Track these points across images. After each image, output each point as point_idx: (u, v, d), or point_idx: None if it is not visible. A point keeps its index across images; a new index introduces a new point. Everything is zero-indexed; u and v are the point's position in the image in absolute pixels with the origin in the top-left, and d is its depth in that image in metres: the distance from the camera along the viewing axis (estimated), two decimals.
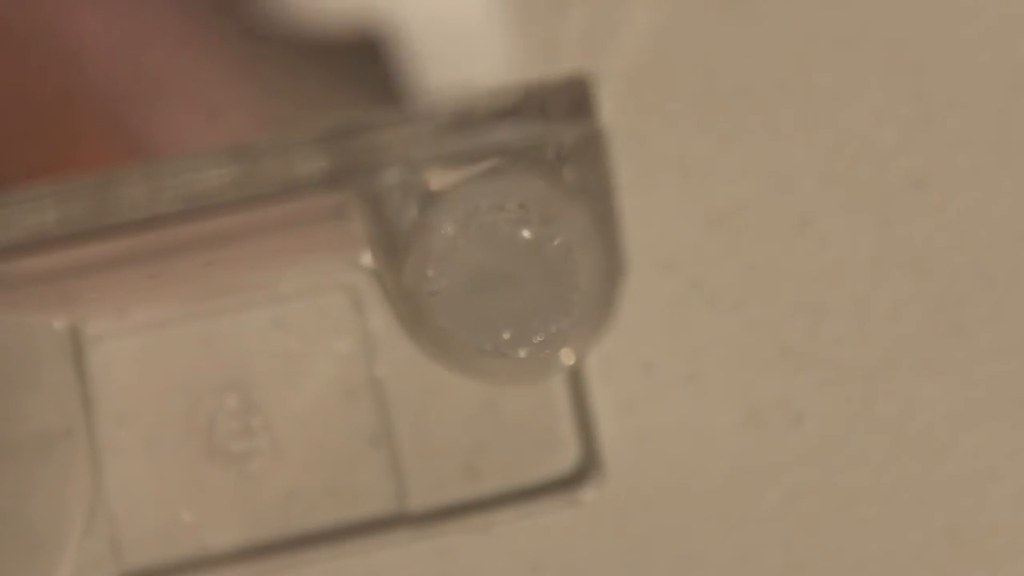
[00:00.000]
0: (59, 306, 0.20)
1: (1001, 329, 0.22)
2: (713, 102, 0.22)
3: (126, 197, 0.14)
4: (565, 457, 0.21)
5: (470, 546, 0.21)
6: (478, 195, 0.15)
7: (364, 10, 0.09)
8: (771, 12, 0.22)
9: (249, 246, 0.17)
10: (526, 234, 0.15)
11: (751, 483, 0.21)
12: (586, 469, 0.21)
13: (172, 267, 0.17)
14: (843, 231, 0.22)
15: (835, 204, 0.22)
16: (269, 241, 0.17)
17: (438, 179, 0.15)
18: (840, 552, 0.21)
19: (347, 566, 0.21)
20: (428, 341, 0.16)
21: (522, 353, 0.15)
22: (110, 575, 0.21)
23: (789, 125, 0.22)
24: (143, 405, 0.21)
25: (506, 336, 0.15)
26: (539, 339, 0.15)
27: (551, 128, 0.15)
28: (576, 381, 0.21)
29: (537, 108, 0.14)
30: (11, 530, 0.18)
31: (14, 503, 0.18)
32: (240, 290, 0.21)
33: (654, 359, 0.22)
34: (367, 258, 0.21)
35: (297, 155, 0.14)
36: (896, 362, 0.22)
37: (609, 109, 0.15)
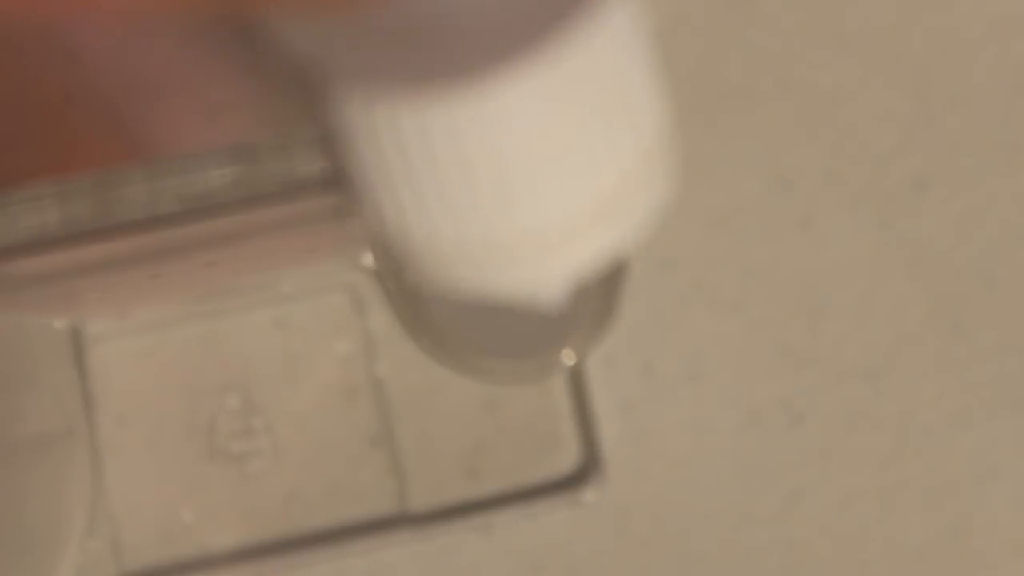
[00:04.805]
0: (60, 306, 0.20)
1: (1001, 329, 0.22)
2: (713, 102, 0.22)
3: (126, 197, 0.14)
4: (566, 457, 0.21)
5: (471, 546, 0.21)
6: None
7: None
8: (771, 12, 0.22)
9: (250, 246, 0.17)
10: None
11: (751, 483, 0.21)
12: (586, 469, 0.21)
13: (173, 268, 0.17)
14: (844, 231, 0.22)
15: (836, 204, 0.22)
16: (270, 241, 0.17)
17: None
18: (840, 552, 0.21)
19: (348, 566, 0.21)
20: (428, 341, 0.16)
21: (522, 353, 0.16)
22: (110, 575, 0.21)
23: (789, 125, 0.22)
24: (143, 405, 0.21)
25: (506, 336, 0.15)
26: (540, 339, 0.15)
27: None
28: (577, 381, 0.21)
29: None
30: (11, 530, 0.18)
31: (14, 503, 0.18)
32: (241, 291, 0.21)
33: (654, 359, 0.22)
34: (367, 258, 0.21)
35: (297, 155, 0.14)
36: (896, 362, 0.22)
37: None
